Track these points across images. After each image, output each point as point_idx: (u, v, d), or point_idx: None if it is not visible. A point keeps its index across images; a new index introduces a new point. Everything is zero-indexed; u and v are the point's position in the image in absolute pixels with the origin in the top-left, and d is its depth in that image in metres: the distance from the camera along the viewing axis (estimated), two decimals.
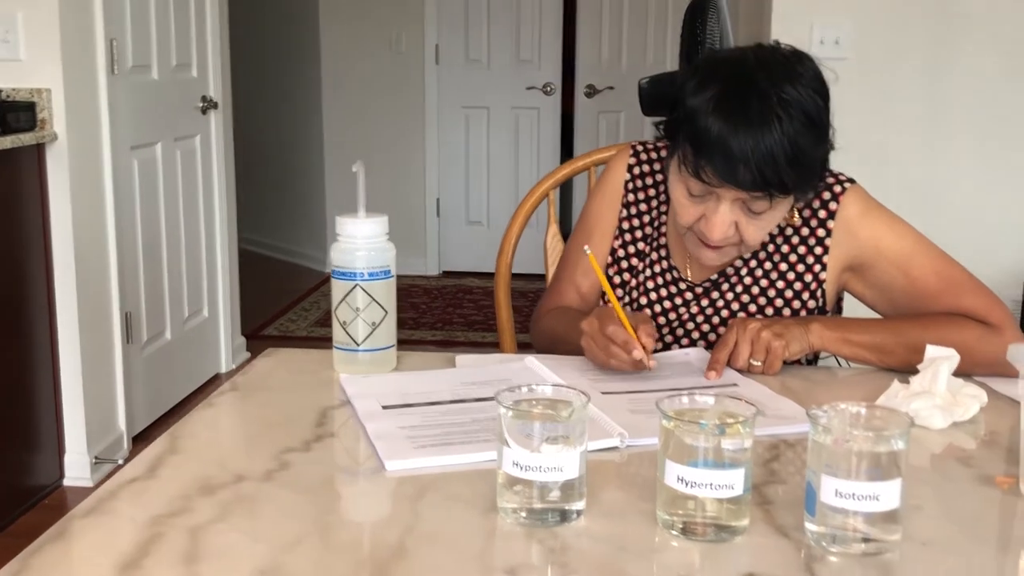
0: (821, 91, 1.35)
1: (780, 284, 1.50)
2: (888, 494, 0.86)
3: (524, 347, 1.73)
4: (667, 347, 1.54)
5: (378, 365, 1.34)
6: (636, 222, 1.59)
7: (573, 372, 1.35)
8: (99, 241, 3.18)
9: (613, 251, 1.59)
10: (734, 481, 0.88)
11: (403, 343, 1.36)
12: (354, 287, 1.31)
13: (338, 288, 1.32)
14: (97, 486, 2.97)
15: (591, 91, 5.87)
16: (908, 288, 1.45)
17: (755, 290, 1.51)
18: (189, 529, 0.90)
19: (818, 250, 1.49)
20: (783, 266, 1.51)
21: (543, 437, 0.90)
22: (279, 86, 6.21)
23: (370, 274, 1.31)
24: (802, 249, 1.50)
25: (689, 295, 1.54)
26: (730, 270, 1.52)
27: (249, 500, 0.97)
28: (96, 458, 3.14)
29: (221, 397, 1.28)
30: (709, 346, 1.50)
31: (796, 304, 1.50)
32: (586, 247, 1.42)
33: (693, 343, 1.53)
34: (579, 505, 0.93)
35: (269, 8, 6.07)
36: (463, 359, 1.42)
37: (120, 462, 3.22)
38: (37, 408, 2.99)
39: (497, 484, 0.93)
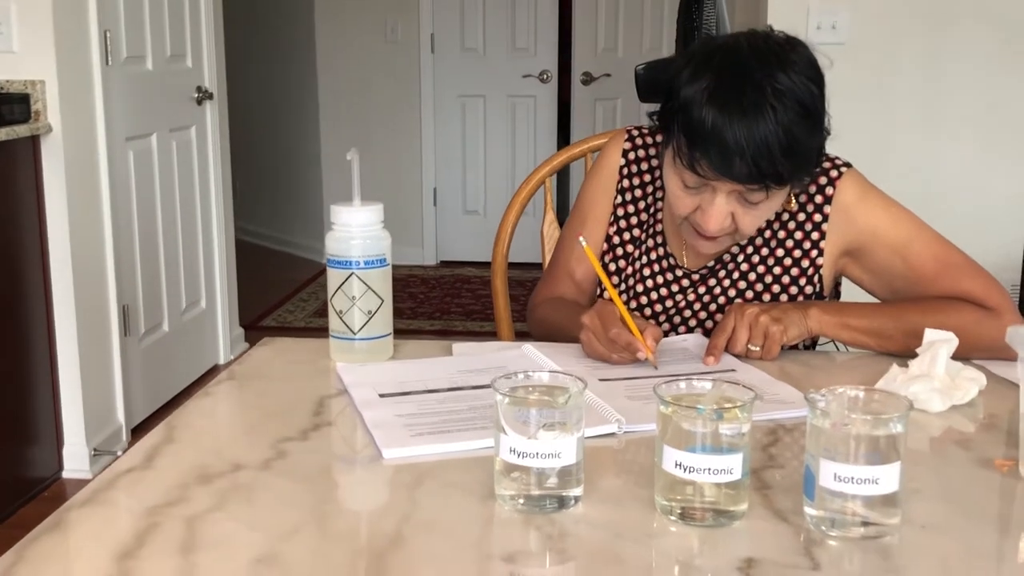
0: (816, 78, 1.34)
1: (777, 270, 1.50)
2: (887, 478, 0.86)
3: (522, 336, 1.72)
4: (664, 335, 1.53)
5: (375, 353, 1.34)
6: (631, 208, 1.58)
7: (570, 359, 1.34)
8: (95, 233, 3.17)
9: (608, 237, 1.59)
10: (732, 466, 0.88)
11: (401, 333, 1.36)
12: (350, 276, 1.30)
13: (334, 277, 1.32)
14: (95, 478, 2.98)
15: (587, 78, 5.86)
16: (906, 272, 1.44)
17: (752, 276, 1.51)
18: (186, 518, 0.90)
19: (815, 235, 1.49)
20: (780, 252, 1.50)
21: (540, 424, 0.90)
22: (274, 76, 6.20)
23: (366, 262, 1.30)
24: (799, 235, 1.49)
25: (686, 282, 1.54)
26: (727, 257, 1.52)
27: (246, 489, 0.97)
28: (95, 450, 3.14)
29: (218, 386, 1.28)
30: (707, 333, 1.50)
31: (793, 290, 1.50)
32: (581, 238, 1.42)
33: (690, 330, 1.53)
34: (577, 491, 0.92)
35: None
36: (460, 347, 1.41)
37: (119, 454, 3.22)
38: (35, 401, 2.99)
39: (494, 471, 0.93)
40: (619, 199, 1.58)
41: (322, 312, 5.00)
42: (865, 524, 0.87)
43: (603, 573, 0.82)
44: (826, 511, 0.87)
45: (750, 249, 1.51)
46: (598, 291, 1.59)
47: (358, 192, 1.32)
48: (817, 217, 1.48)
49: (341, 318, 1.32)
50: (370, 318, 1.32)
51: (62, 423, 3.10)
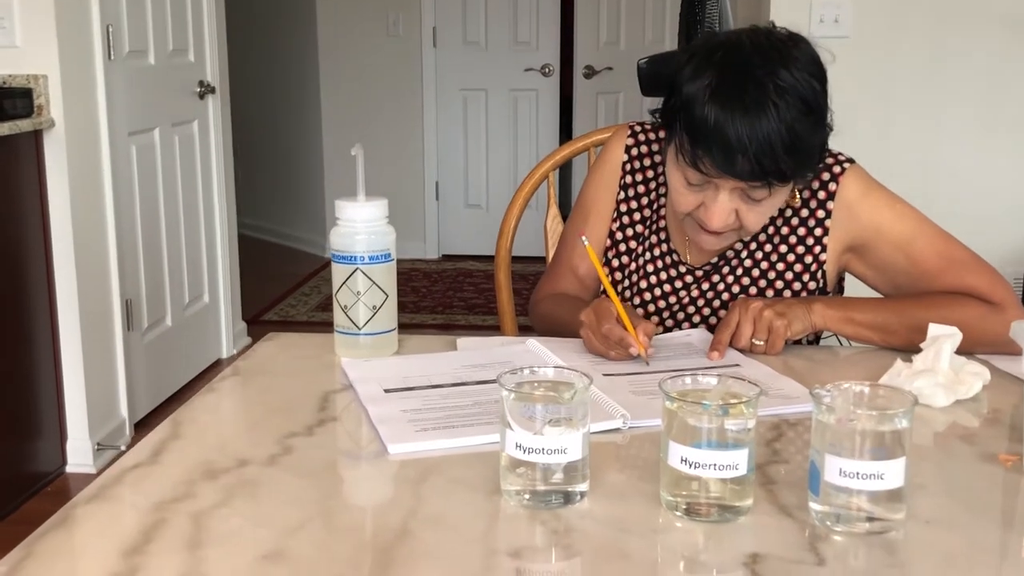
0: (818, 75, 1.34)
1: (780, 266, 1.50)
2: (892, 473, 0.86)
3: (525, 330, 1.72)
4: (668, 331, 1.54)
5: (379, 349, 1.34)
6: (634, 204, 1.58)
7: (574, 354, 1.35)
8: (98, 228, 3.17)
9: (611, 233, 1.59)
10: (738, 461, 0.88)
11: (404, 327, 1.36)
12: (354, 271, 1.30)
13: (338, 272, 1.32)
14: (99, 472, 2.98)
15: (590, 72, 5.85)
16: (910, 268, 1.44)
17: (755, 272, 1.51)
18: (192, 514, 0.90)
19: (818, 231, 1.49)
20: (783, 248, 1.50)
21: (546, 419, 0.90)
22: (276, 70, 6.19)
23: (370, 258, 1.31)
24: (802, 231, 1.49)
25: (689, 279, 1.54)
26: (730, 253, 1.52)
27: (252, 485, 0.97)
28: (98, 445, 3.15)
29: (223, 382, 1.28)
30: (710, 329, 1.50)
31: (797, 286, 1.50)
32: (583, 237, 1.42)
33: (694, 326, 1.53)
34: (582, 487, 0.93)
35: None
36: (464, 342, 1.41)
37: (122, 448, 3.23)
38: (39, 396, 2.99)
39: (500, 467, 0.93)
40: (622, 195, 1.58)
41: (324, 306, 5.00)
42: (870, 519, 0.87)
43: (608, 568, 0.83)
44: (831, 506, 0.88)
45: (753, 245, 1.51)
46: (601, 287, 1.59)
47: (362, 187, 1.32)
48: (820, 213, 1.48)
49: (346, 313, 1.32)
50: (375, 313, 1.32)
51: (66, 418, 3.10)
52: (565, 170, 5.94)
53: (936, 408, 1.17)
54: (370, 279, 1.31)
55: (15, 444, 2.91)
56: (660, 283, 1.55)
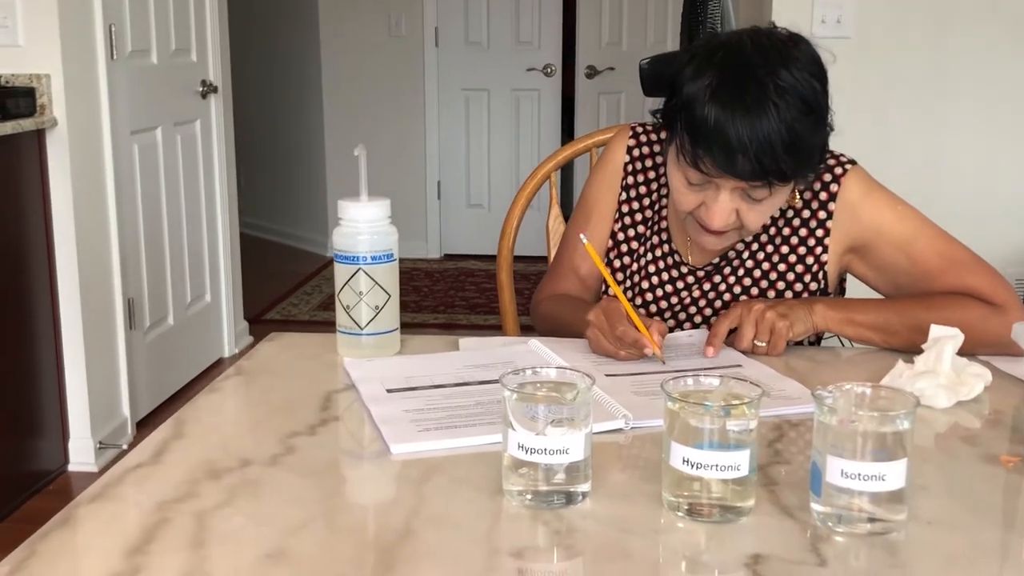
0: (819, 75, 1.34)
1: (782, 267, 1.50)
2: (893, 474, 0.86)
3: (527, 329, 1.73)
4: (670, 331, 1.54)
5: (382, 349, 1.34)
6: (636, 205, 1.58)
7: (577, 354, 1.35)
8: (100, 227, 3.17)
9: (613, 234, 1.59)
10: (740, 462, 0.88)
11: (405, 326, 1.36)
12: (357, 271, 1.31)
13: (341, 272, 1.32)
14: (101, 471, 2.99)
15: (592, 72, 5.86)
16: (911, 269, 1.44)
17: (757, 273, 1.51)
18: (195, 514, 0.90)
19: (819, 232, 1.49)
20: (784, 249, 1.50)
21: (548, 420, 0.90)
22: (279, 70, 6.20)
23: (373, 258, 1.31)
24: (803, 231, 1.50)
25: (691, 279, 1.54)
26: (732, 254, 1.52)
27: (255, 484, 0.97)
28: (100, 443, 3.15)
29: (226, 382, 1.29)
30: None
31: (798, 287, 1.50)
32: (583, 236, 1.42)
33: (696, 327, 1.53)
34: (584, 487, 0.93)
35: None
36: (467, 342, 1.42)
37: (124, 447, 3.23)
38: (41, 395, 3.00)
39: (502, 467, 0.93)
40: (624, 196, 1.59)
41: (326, 305, 5.01)
42: (872, 520, 0.87)
43: (610, 568, 0.83)
44: (833, 507, 0.88)
45: (755, 246, 1.51)
46: (603, 288, 1.59)
47: (365, 187, 1.32)
48: (822, 214, 1.48)
49: (348, 313, 1.32)
50: (377, 313, 1.32)
51: (67, 416, 3.10)
52: (567, 170, 5.94)
53: (938, 409, 1.17)
54: (372, 279, 1.31)
55: (17, 442, 2.92)
56: (662, 283, 1.55)
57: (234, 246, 4.21)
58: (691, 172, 1.35)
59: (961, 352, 1.22)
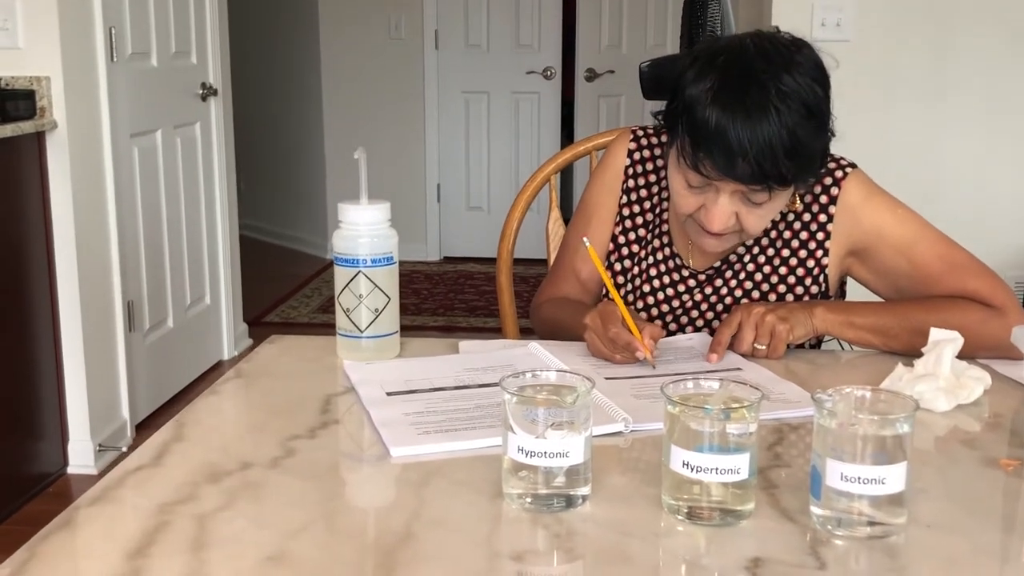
0: (821, 80, 1.34)
1: (783, 270, 1.50)
2: (893, 477, 0.86)
3: (526, 332, 1.73)
4: (670, 335, 1.54)
5: (382, 351, 1.34)
6: (637, 208, 1.58)
7: (576, 357, 1.35)
8: (100, 229, 3.17)
9: (614, 237, 1.59)
10: (739, 465, 0.88)
11: (404, 329, 1.36)
12: (357, 274, 1.31)
13: (341, 275, 1.32)
14: (101, 474, 2.98)
15: (591, 75, 5.86)
16: (911, 272, 1.44)
17: (758, 276, 1.51)
18: (195, 517, 0.90)
19: (820, 235, 1.49)
20: (785, 252, 1.50)
21: (548, 423, 0.90)
22: (279, 72, 6.20)
23: (373, 261, 1.31)
24: (804, 235, 1.50)
25: (692, 282, 1.54)
26: (733, 257, 1.52)
27: (255, 487, 0.97)
28: (100, 446, 3.15)
29: (226, 384, 1.29)
30: (712, 333, 1.50)
31: (799, 290, 1.50)
32: (585, 239, 1.42)
33: (697, 330, 1.53)
34: (584, 490, 0.93)
35: None
36: (466, 345, 1.42)
37: (124, 450, 3.23)
38: (41, 397, 3.00)
39: (502, 470, 0.93)
40: (624, 199, 1.59)
41: (326, 307, 5.01)
42: (871, 524, 0.87)
43: (610, 572, 0.83)
44: (832, 511, 0.88)
45: (756, 250, 1.51)
46: (603, 291, 1.59)
47: (365, 190, 1.32)
48: (822, 218, 1.49)
49: (348, 316, 1.32)
50: (377, 316, 1.32)
51: (67, 419, 3.10)
52: (566, 173, 5.95)
53: (937, 412, 1.18)
54: (372, 282, 1.31)
55: (16, 444, 2.91)
56: (663, 287, 1.55)
57: (234, 248, 4.21)
58: (691, 175, 1.35)
59: (961, 355, 1.22)
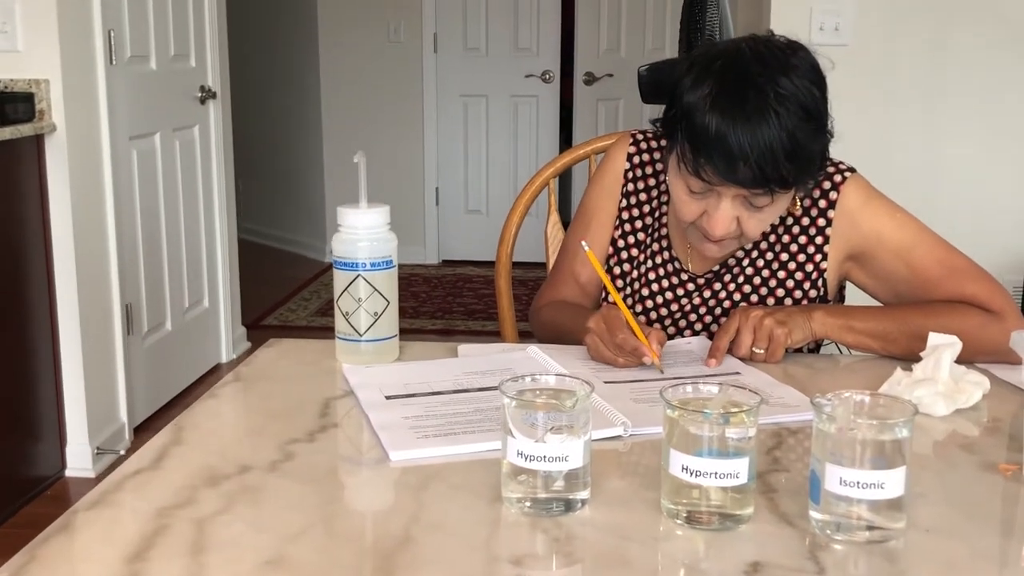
0: (818, 82, 1.35)
1: (782, 274, 1.50)
2: (892, 482, 0.86)
3: (525, 336, 1.73)
4: (670, 339, 1.54)
5: (381, 355, 1.34)
6: (636, 212, 1.58)
7: (575, 361, 1.35)
8: (99, 232, 3.17)
9: (613, 241, 1.59)
10: (738, 470, 0.88)
11: (403, 332, 1.36)
12: (356, 277, 1.31)
13: (340, 278, 1.32)
14: (99, 477, 2.98)
15: (590, 79, 5.86)
16: (910, 277, 1.45)
17: (757, 280, 1.51)
18: (194, 520, 0.90)
19: (819, 240, 1.49)
20: (784, 256, 1.51)
21: (547, 427, 0.90)
22: (278, 76, 6.20)
23: (372, 264, 1.31)
24: (803, 239, 1.50)
25: (691, 286, 1.54)
26: (732, 261, 1.52)
27: (254, 491, 0.97)
28: (98, 449, 3.15)
29: (224, 388, 1.29)
30: (711, 337, 1.50)
31: (798, 294, 1.50)
32: (584, 243, 1.42)
33: (696, 334, 1.53)
34: (583, 494, 0.93)
35: None
36: (465, 348, 1.42)
37: (122, 453, 3.23)
38: (39, 400, 3.00)
39: (501, 474, 0.93)
40: (624, 203, 1.59)
41: (324, 311, 5.01)
42: (870, 528, 0.87)
43: None
44: (831, 515, 0.88)
45: (755, 253, 1.51)
46: (603, 295, 1.59)
47: (364, 194, 1.33)
48: (821, 222, 1.49)
49: (347, 319, 1.32)
50: (376, 319, 1.32)
51: (65, 422, 3.10)
52: (565, 177, 5.94)
53: (936, 417, 1.18)
54: (372, 286, 1.31)
55: (14, 447, 2.91)
56: (662, 291, 1.55)
57: (232, 251, 4.21)
58: (692, 180, 1.36)
59: (959, 360, 1.22)
